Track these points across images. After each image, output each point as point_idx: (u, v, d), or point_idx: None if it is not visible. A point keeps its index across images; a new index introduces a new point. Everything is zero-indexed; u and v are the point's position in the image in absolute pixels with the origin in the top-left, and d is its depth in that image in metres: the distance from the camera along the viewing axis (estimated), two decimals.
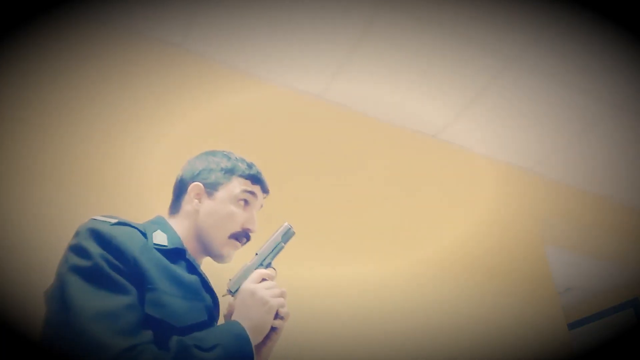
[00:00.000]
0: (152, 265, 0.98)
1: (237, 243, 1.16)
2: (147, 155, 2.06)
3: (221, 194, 1.15)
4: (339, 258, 2.20)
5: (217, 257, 1.16)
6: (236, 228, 1.14)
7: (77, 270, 0.91)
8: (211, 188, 1.16)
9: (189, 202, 1.16)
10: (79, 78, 2.10)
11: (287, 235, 1.18)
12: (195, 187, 1.16)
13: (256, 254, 1.14)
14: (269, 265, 1.15)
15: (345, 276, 2.17)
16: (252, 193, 1.18)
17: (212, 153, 1.23)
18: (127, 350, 0.84)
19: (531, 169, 3.03)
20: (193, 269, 1.08)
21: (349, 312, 2.10)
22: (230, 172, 1.18)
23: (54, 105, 2.00)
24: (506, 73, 2.46)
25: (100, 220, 1.00)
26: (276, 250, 1.16)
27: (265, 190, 1.23)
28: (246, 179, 1.18)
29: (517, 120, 2.71)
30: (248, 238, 1.17)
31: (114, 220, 1.01)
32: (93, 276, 0.90)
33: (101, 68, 2.15)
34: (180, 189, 1.19)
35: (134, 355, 0.84)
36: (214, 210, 1.14)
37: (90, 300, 0.87)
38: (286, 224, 1.18)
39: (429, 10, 2.18)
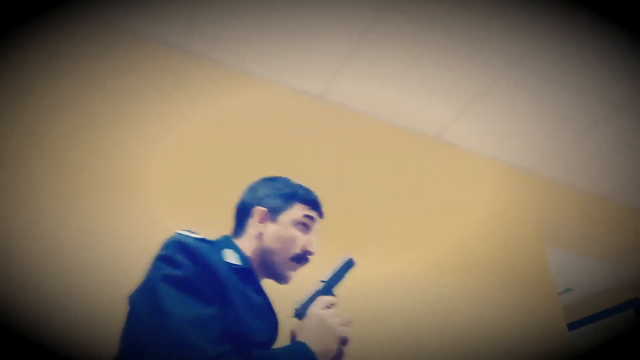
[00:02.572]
0: (230, 282, 1.05)
1: (298, 265, 1.24)
2: (147, 156, 2.06)
3: (284, 218, 1.23)
4: (337, 258, 2.20)
5: (279, 278, 1.23)
6: (297, 250, 1.22)
7: (169, 279, 0.98)
8: (275, 213, 1.24)
9: (254, 225, 1.23)
10: (79, 79, 2.10)
11: (350, 266, 1.23)
12: (260, 211, 1.24)
13: (321, 281, 1.19)
14: (331, 293, 1.19)
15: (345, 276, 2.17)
16: (311, 218, 1.26)
17: (272, 179, 1.32)
18: (216, 357, 0.90)
19: (531, 169, 3.03)
20: (259, 289, 1.15)
21: (348, 312, 2.09)
22: (291, 197, 1.26)
23: (54, 106, 2.00)
24: (507, 73, 2.46)
25: (186, 235, 1.08)
26: (340, 279, 1.22)
27: (321, 215, 1.30)
28: (306, 204, 1.26)
29: (518, 120, 2.71)
30: (307, 260, 1.24)
31: (197, 236, 1.09)
32: (184, 286, 0.98)
33: (101, 69, 2.15)
34: (243, 213, 1.27)
35: None
36: (278, 233, 1.22)
37: (185, 307, 0.94)
38: (349, 256, 1.23)
39: (430, 11, 2.18)
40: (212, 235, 1.97)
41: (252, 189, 1.31)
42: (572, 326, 4.05)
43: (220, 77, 2.39)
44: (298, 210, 1.24)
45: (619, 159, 2.95)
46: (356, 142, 2.57)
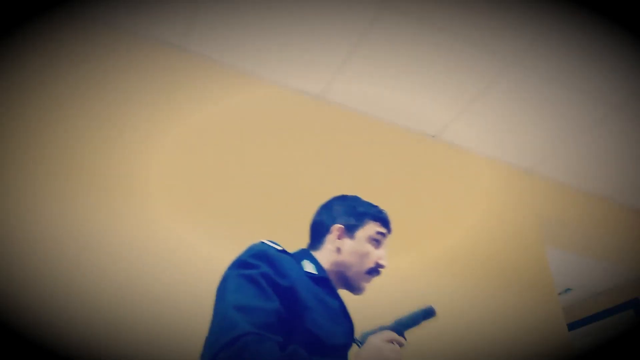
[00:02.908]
0: (306, 289, 1.15)
1: (371, 277, 1.34)
2: (147, 156, 2.06)
3: (360, 234, 1.35)
4: None
5: (355, 289, 1.34)
6: (371, 264, 1.33)
7: (239, 275, 1.10)
8: (351, 230, 1.35)
9: (332, 241, 1.35)
10: (79, 79, 2.10)
11: (428, 315, 1.27)
12: (337, 228, 1.35)
13: (395, 320, 1.25)
14: (401, 333, 1.23)
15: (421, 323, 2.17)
16: (383, 234, 1.38)
17: (345, 198, 1.45)
18: (249, 334, 0.97)
19: (531, 169, 3.03)
20: (336, 296, 1.25)
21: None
22: (365, 215, 1.38)
23: (55, 106, 2.00)
24: (506, 73, 2.46)
25: (269, 245, 1.20)
26: (414, 324, 1.26)
27: (390, 231, 1.42)
28: (377, 221, 1.38)
29: (517, 120, 2.71)
30: (379, 273, 1.35)
31: (279, 247, 1.22)
32: (249, 281, 1.08)
33: (101, 69, 2.15)
34: (320, 229, 1.39)
35: (254, 340, 0.96)
36: (355, 249, 1.33)
37: (240, 296, 1.05)
38: (431, 306, 1.28)
39: (430, 11, 2.18)
40: (212, 235, 1.97)
41: (327, 207, 1.43)
42: (572, 326, 4.04)
43: (220, 77, 2.39)
44: (371, 227, 1.36)
45: (618, 159, 2.95)
46: (356, 142, 2.57)
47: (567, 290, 4.02)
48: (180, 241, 1.93)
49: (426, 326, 2.40)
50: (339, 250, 1.33)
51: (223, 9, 2.19)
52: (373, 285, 2.28)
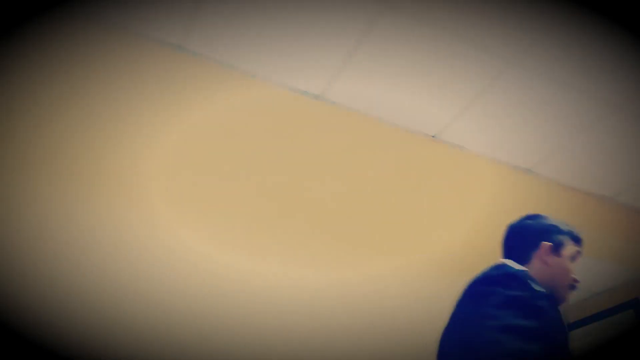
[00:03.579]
0: (547, 305, 1.27)
1: (572, 291, 1.49)
2: (147, 156, 2.06)
3: (564, 252, 1.50)
4: (339, 259, 2.20)
5: (561, 301, 1.48)
6: (571, 280, 1.49)
7: (515, 298, 1.25)
8: (557, 248, 1.50)
9: (540, 257, 1.49)
10: (78, 79, 2.10)
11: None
12: (546, 246, 1.50)
13: None
14: None
15: (345, 277, 2.17)
16: (579, 253, 1.53)
17: (542, 217, 1.59)
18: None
19: (531, 169, 3.03)
20: (559, 310, 1.36)
21: (348, 312, 2.10)
22: (568, 235, 1.53)
23: (54, 107, 2.00)
24: (506, 74, 2.46)
25: (511, 266, 1.39)
26: None
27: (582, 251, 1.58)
28: (576, 242, 1.54)
29: (517, 120, 2.71)
30: (576, 288, 1.50)
31: (525, 268, 1.42)
32: (512, 302, 1.23)
33: (102, 69, 2.15)
34: (525, 245, 1.53)
35: None
36: (561, 265, 1.48)
37: (506, 315, 1.18)
38: None
39: (431, 11, 2.18)
40: (212, 235, 1.97)
41: (529, 226, 1.57)
42: (572, 326, 4.04)
43: (220, 77, 2.39)
44: (572, 247, 1.52)
45: (619, 159, 2.95)
46: (356, 143, 2.57)
47: None
48: (180, 241, 1.94)
49: (426, 327, 2.41)
50: (546, 265, 1.47)
51: (223, 9, 2.19)
52: (373, 286, 2.28)
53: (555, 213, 2.99)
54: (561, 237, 1.51)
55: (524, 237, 1.55)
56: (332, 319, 2.05)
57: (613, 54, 2.37)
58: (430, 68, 2.44)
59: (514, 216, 2.83)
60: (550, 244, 1.49)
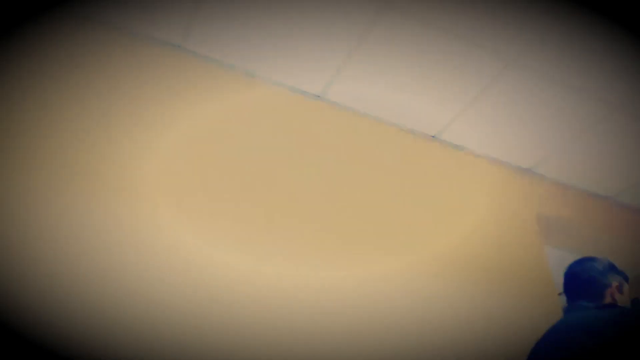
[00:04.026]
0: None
1: None
2: (146, 156, 2.06)
3: (625, 290, 1.83)
4: (339, 259, 2.20)
5: None
6: None
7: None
8: (621, 287, 1.82)
9: (611, 294, 1.79)
10: (78, 79, 2.10)
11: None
12: (616, 286, 1.80)
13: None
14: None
15: (345, 277, 2.18)
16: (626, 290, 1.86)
17: (606, 259, 1.89)
18: None
19: (531, 169, 3.03)
20: None
21: (348, 313, 2.10)
22: (623, 276, 1.85)
23: (54, 107, 2.00)
24: (506, 74, 2.46)
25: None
26: None
27: None
28: (627, 282, 1.85)
29: (517, 120, 2.71)
30: None
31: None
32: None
33: (102, 69, 2.15)
34: (597, 283, 1.82)
35: None
36: (624, 301, 1.80)
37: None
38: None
39: (431, 11, 2.19)
40: (212, 235, 1.97)
41: (595, 268, 1.85)
42: None
43: (220, 77, 2.39)
44: (626, 286, 1.84)
45: (618, 159, 2.95)
46: (356, 143, 2.57)
47: None
48: (181, 241, 1.94)
49: (426, 327, 2.41)
50: (615, 301, 1.78)
51: (223, 9, 2.19)
52: (374, 286, 2.28)
53: (555, 213, 2.99)
54: (622, 278, 1.86)
55: (593, 277, 1.85)
56: (330, 319, 2.05)
57: (613, 54, 2.37)
58: (431, 68, 2.44)
59: (513, 215, 2.84)
60: (617, 283, 1.82)
